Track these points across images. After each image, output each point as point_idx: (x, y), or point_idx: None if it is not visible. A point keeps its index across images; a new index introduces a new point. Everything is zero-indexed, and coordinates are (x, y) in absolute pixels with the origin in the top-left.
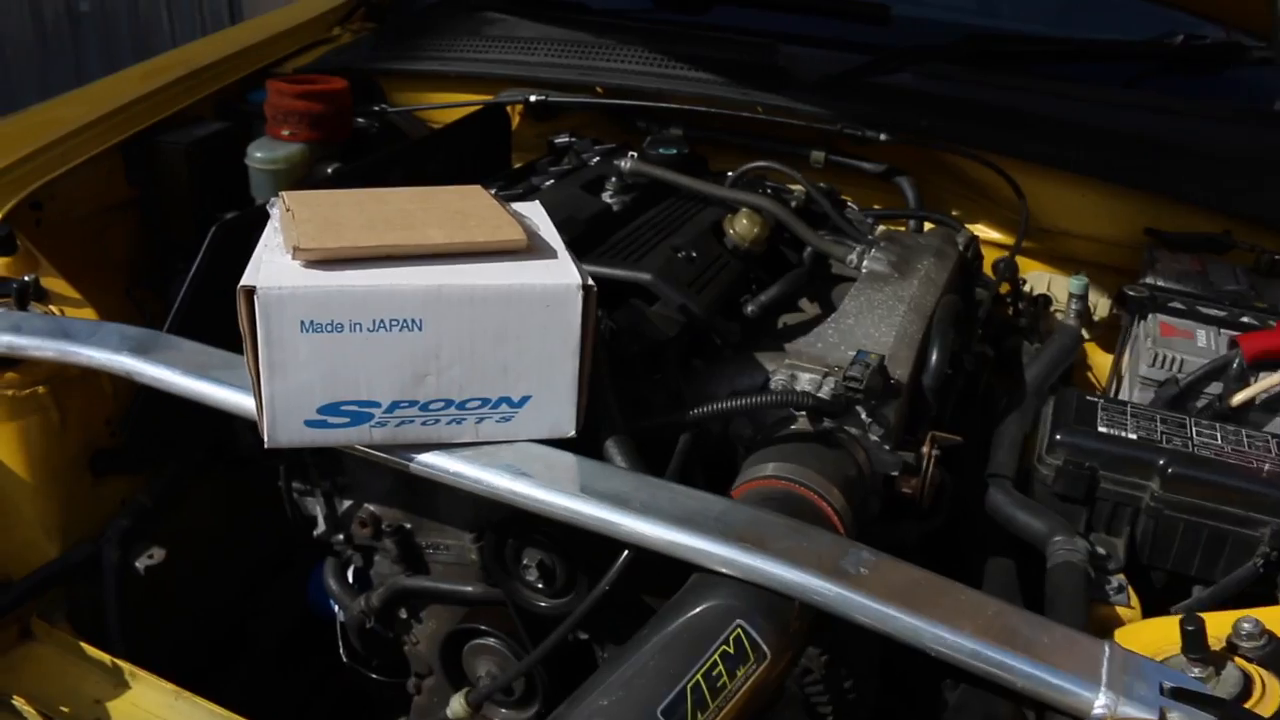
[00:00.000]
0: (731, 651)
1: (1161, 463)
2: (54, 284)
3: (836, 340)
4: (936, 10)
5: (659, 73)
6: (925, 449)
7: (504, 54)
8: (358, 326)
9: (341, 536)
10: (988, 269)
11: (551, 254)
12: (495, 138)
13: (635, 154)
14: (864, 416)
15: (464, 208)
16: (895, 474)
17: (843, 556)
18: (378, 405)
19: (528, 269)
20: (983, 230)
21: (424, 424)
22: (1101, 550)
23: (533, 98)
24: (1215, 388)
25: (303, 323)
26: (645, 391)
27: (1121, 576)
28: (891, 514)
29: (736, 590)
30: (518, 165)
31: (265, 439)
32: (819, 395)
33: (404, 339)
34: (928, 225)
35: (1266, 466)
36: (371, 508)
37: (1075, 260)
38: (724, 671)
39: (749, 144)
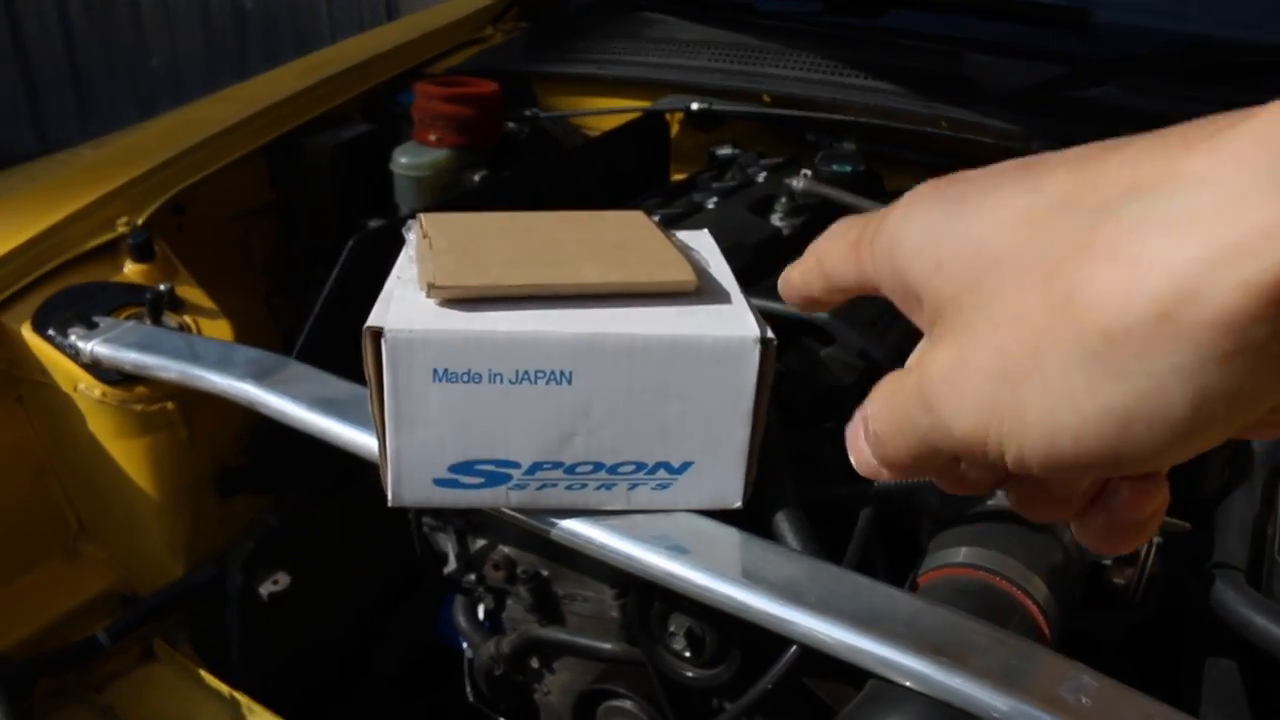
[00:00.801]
0: None
1: None
2: (189, 293)
3: None
4: (1144, 16)
5: (832, 81)
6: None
7: (664, 57)
8: (498, 377)
9: (473, 577)
10: None
11: (725, 298)
12: (653, 148)
13: (809, 171)
14: None
15: (624, 239)
16: (1108, 562)
17: (1061, 682)
18: (517, 466)
19: (696, 316)
20: None
21: (568, 488)
22: None
23: (695, 105)
24: None
25: (435, 371)
26: (814, 445)
27: None
28: (1092, 601)
29: (925, 711)
30: (676, 178)
31: (390, 496)
32: None
33: (550, 393)
34: None
35: None
36: (507, 550)
37: None
38: None
39: (932, 162)
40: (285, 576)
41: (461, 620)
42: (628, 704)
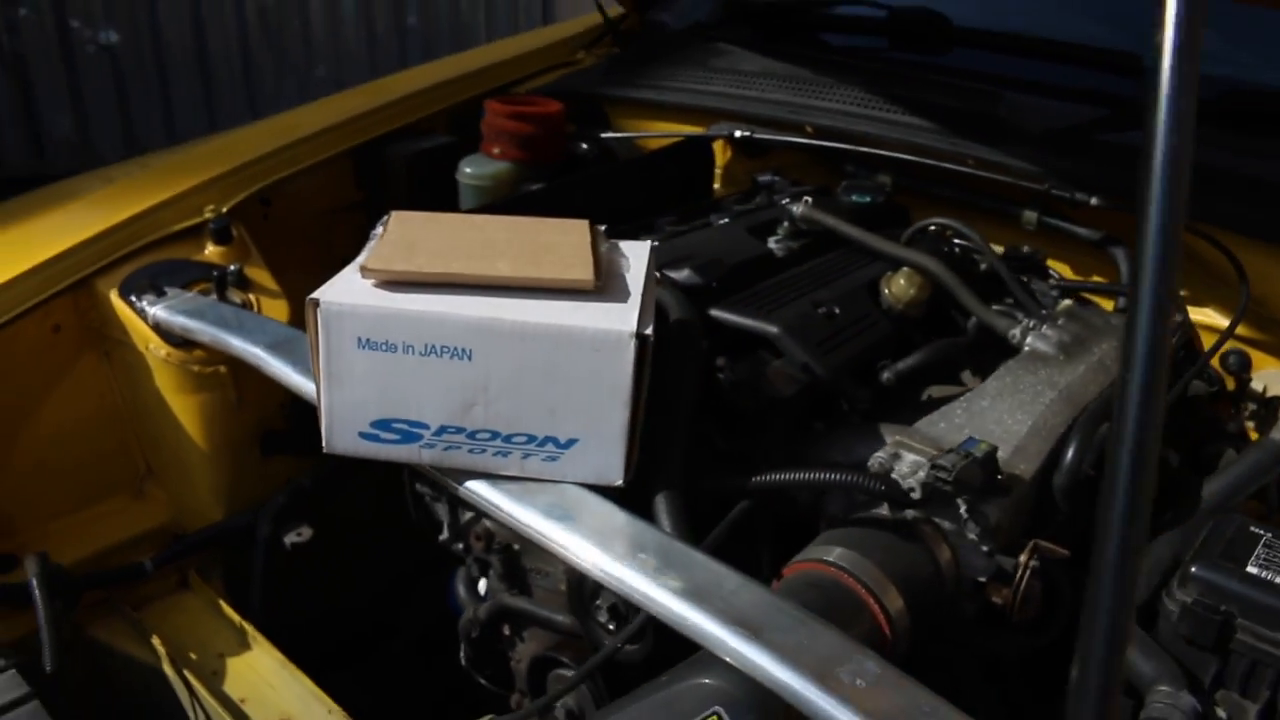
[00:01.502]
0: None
1: None
2: (258, 274)
3: (962, 422)
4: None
5: (871, 115)
6: (1023, 557)
7: (723, 86)
8: (410, 349)
9: (461, 546)
10: (1217, 361)
11: (622, 298)
12: (697, 170)
13: (810, 199)
14: (962, 512)
15: (554, 242)
16: (983, 579)
17: (844, 664)
18: (427, 427)
19: (586, 310)
20: (1209, 316)
21: (470, 451)
22: (1223, 714)
23: (737, 133)
24: None
25: (359, 339)
26: (757, 450)
27: None
28: (1002, 623)
29: (728, 676)
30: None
31: (324, 444)
32: (909, 481)
33: (453, 367)
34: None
35: None
36: (488, 523)
37: None
38: None
39: (960, 198)
40: (309, 530)
41: (460, 588)
42: (569, 673)
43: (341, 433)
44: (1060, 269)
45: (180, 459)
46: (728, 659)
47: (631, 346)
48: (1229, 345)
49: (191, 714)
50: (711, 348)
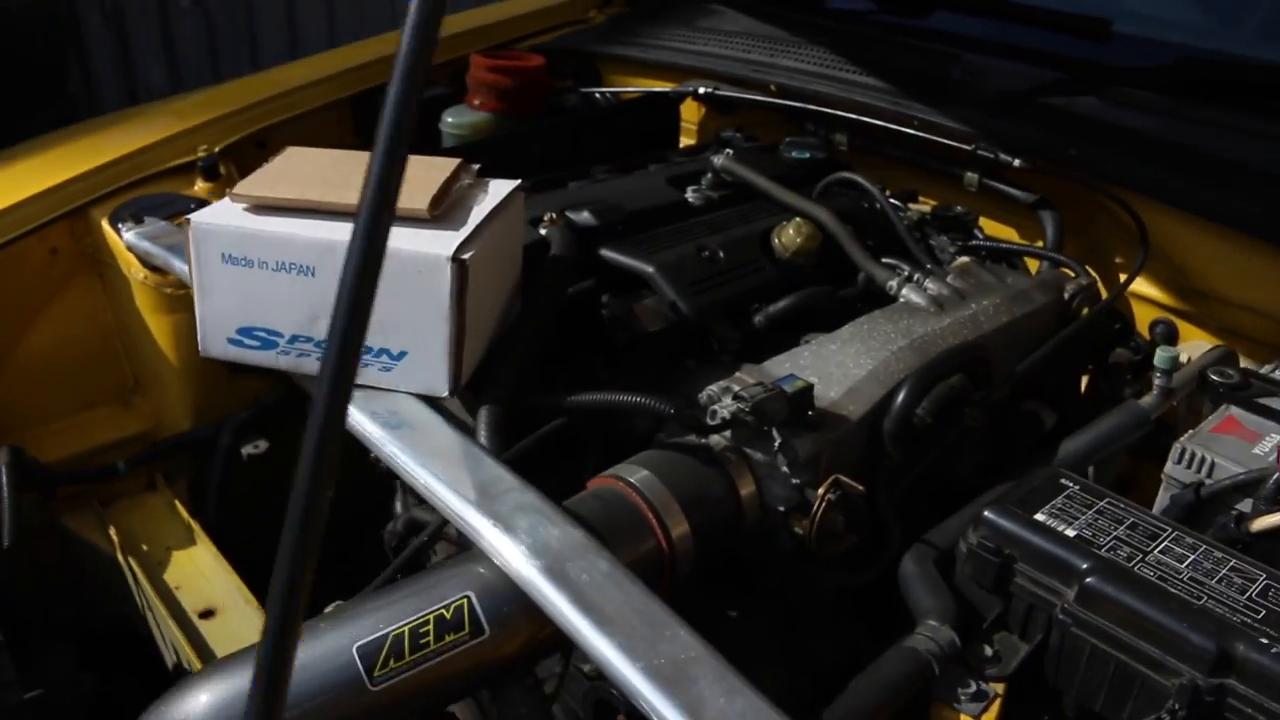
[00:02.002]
0: (448, 617)
1: (1084, 568)
2: None
3: (806, 363)
4: (1177, 30)
5: (832, 75)
6: (821, 491)
7: (701, 45)
8: (265, 265)
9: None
10: (1146, 331)
11: (455, 227)
12: (664, 124)
13: (730, 151)
14: (775, 445)
15: (416, 176)
16: (782, 508)
17: (576, 560)
18: (281, 336)
19: (415, 236)
20: (1140, 286)
21: (319, 359)
22: (990, 650)
23: (701, 90)
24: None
25: (223, 255)
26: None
27: (997, 686)
28: (840, 561)
29: (485, 564)
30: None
31: (200, 349)
32: (717, 409)
33: (300, 282)
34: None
35: (1217, 605)
36: None
37: (1239, 335)
38: (432, 633)
39: (909, 159)
40: (265, 443)
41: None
42: None
43: (213, 338)
44: (1005, 232)
45: (158, 373)
46: (484, 550)
47: (448, 270)
48: (1158, 315)
49: (135, 596)
50: (599, 285)
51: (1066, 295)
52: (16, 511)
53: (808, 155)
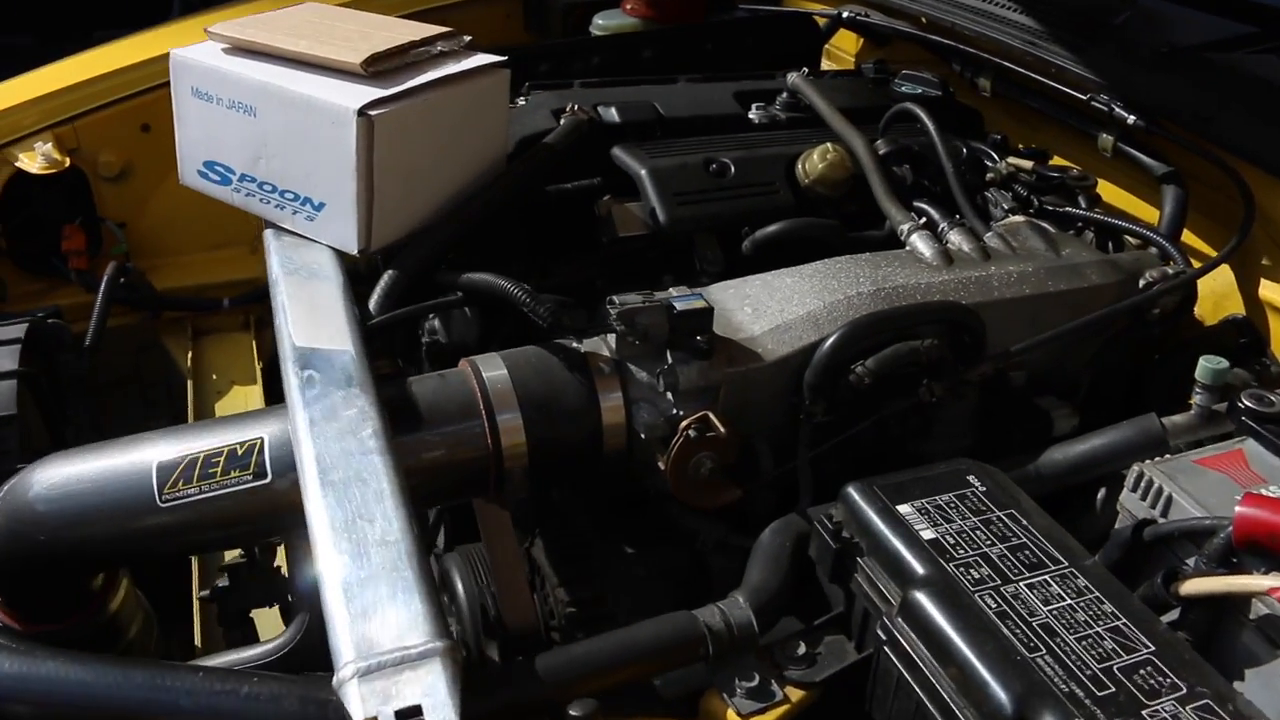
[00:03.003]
0: (239, 453)
1: (917, 576)
2: None
3: (752, 291)
4: None
5: (987, 11)
6: (682, 424)
7: None
8: (219, 100)
9: None
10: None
11: (387, 86)
12: (804, 47)
13: (806, 69)
14: (661, 366)
15: (370, 33)
16: (644, 436)
17: (353, 433)
18: (233, 172)
19: (338, 88)
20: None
21: (262, 201)
22: (804, 649)
23: (845, 13)
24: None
25: (193, 88)
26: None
27: (794, 692)
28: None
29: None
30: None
31: (179, 178)
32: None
33: (245, 120)
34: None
35: (1053, 665)
36: None
37: None
38: (221, 464)
39: (1049, 113)
40: None
41: None
42: None
43: (186, 169)
44: (1145, 209)
45: None
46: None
47: (354, 123)
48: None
49: (189, 412)
50: (607, 184)
51: (1143, 282)
52: (103, 318)
53: (919, 91)
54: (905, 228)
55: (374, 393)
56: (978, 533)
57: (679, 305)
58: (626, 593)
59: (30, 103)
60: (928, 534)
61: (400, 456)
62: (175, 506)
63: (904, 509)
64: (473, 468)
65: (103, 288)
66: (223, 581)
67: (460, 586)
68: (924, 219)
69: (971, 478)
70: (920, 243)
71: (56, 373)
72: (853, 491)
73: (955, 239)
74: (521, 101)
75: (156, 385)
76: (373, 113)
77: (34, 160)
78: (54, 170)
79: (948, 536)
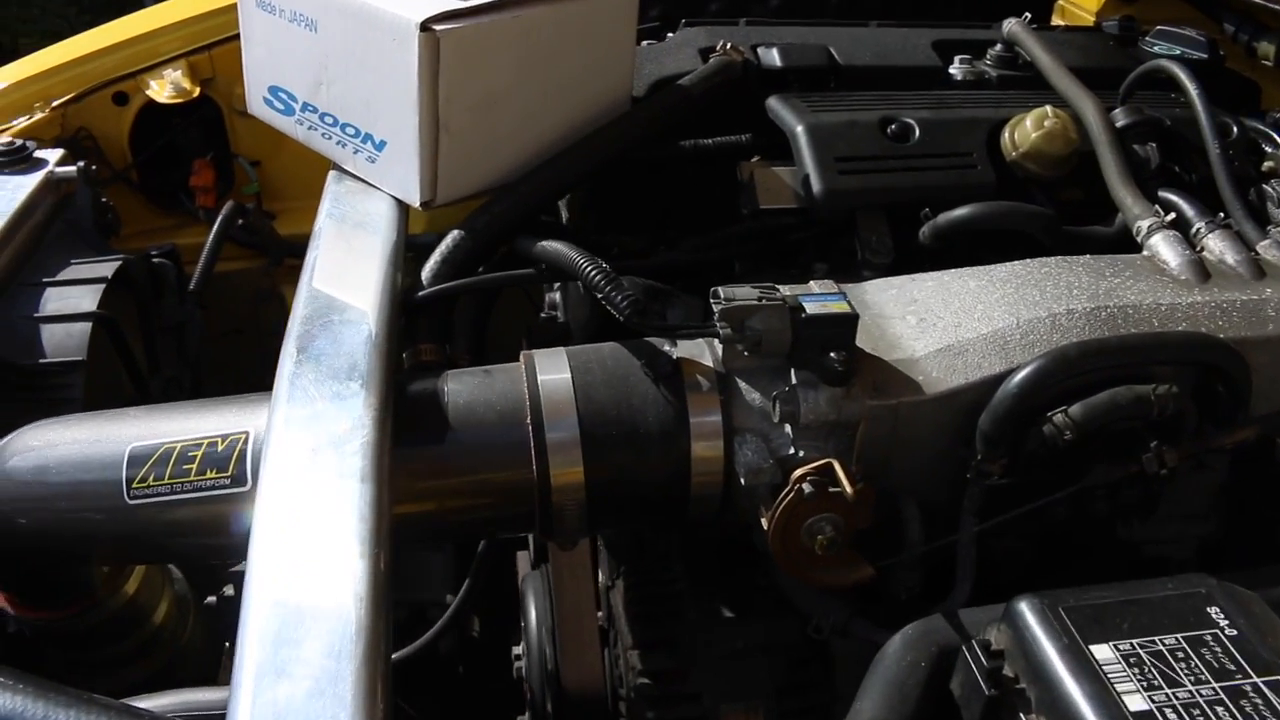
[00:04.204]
0: (220, 449)
1: None
2: None
3: (918, 295)
4: None
5: None
6: (797, 473)
7: None
8: (282, 12)
9: None
10: None
11: (472, 12)
12: None
13: (1029, 15)
14: (779, 391)
15: None
16: (744, 483)
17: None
18: (295, 100)
19: (417, 5)
20: None
21: (324, 136)
22: None
23: None
24: None
25: (258, 1)
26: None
27: None
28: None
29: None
30: None
31: (248, 107)
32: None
33: (306, 36)
34: None
35: None
36: None
37: None
38: (198, 461)
39: None
40: None
41: None
42: None
43: (253, 96)
44: None
45: None
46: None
47: (415, 39)
48: None
49: None
50: (758, 142)
51: None
52: (211, 261)
53: (1178, 52)
54: (1145, 225)
55: (382, 389)
56: (1219, 710)
57: (810, 307)
58: (717, 671)
59: (168, 28)
60: (1136, 703)
61: (395, 482)
62: (143, 506)
63: (1102, 652)
64: (511, 499)
65: (215, 228)
66: (229, 590)
67: (531, 619)
68: (1172, 215)
69: (1215, 611)
70: (1165, 247)
71: (155, 317)
72: (1026, 611)
73: (1215, 246)
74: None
75: (274, 337)
76: (439, 27)
77: (163, 88)
78: (182, 99)
79: (1168, 711)
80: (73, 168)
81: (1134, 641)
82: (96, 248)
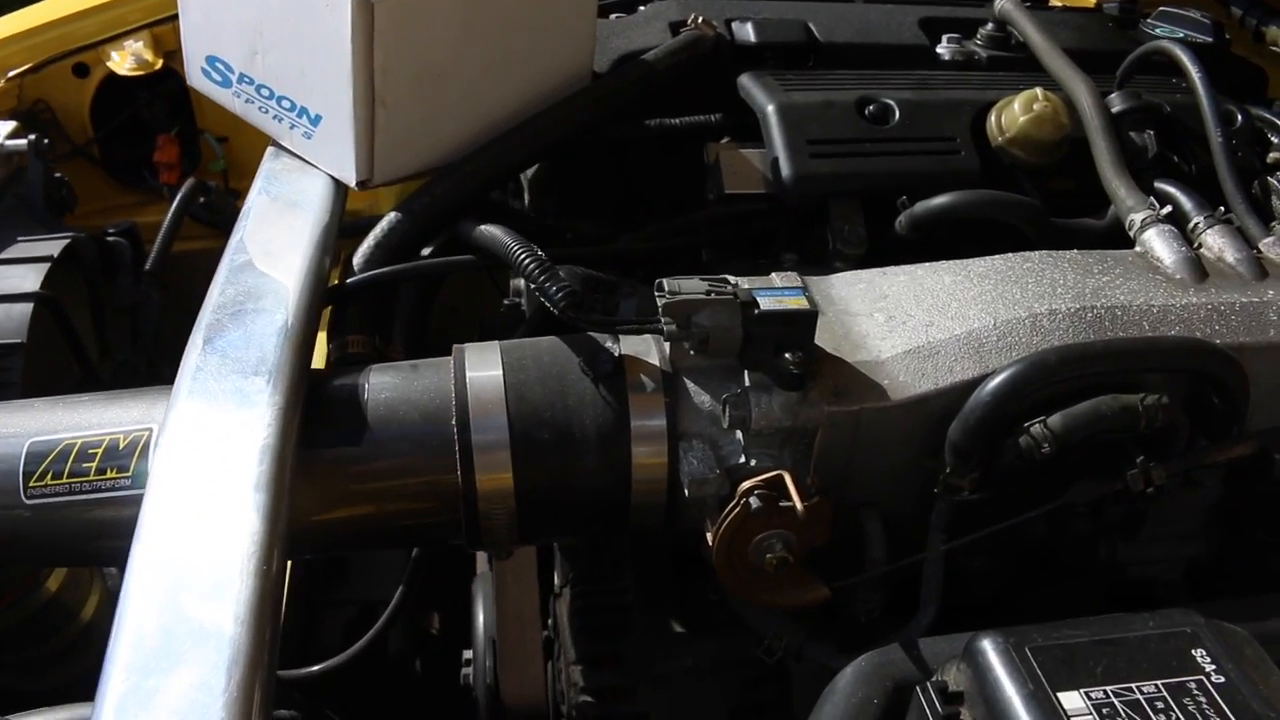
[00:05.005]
0: (121, 446)
1: None
2: None
3: (887, 290)
4: None
5: None
6: (744, 486)
7: None
8: None
9: None
10: None
11: None
12: None
13: None
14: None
15: None
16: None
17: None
18: (232, 70)
19: None
20: None
21: (260, 109)
22: None
23: None
24: None
25: None
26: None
27: None
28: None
29: None
30: None
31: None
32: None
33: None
34: None
35: None
36: None
37: None
38: (98, 460)
39: None
40: None
41: None
42: None
43: (191, 66)
44: None
45: None
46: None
47: (348, 4)
48: None
49: None
50: (726, 123)
51: None
52: (168, 240)
53: (1180, 35)
54: (1138, 219)
55: (291, 386)
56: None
57: (764, 302)
58: (666, 690)
59: None
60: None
61: (303, 488)
62: (40, 506)
63: (1072, 700)
64: (435, 506)
65: (173, 206)
66: None
67: (479, 625)
68: (1168, 208)
69: (1201, 654)
70: (1159, 243)
71: (107, 298)
72: (989, 650)
73: (1214, 242)
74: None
75: None
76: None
77: (124, 60)
78: (144, 72)
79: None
80: (23, 141)
81: (1108, 689)
82: (47, 225)
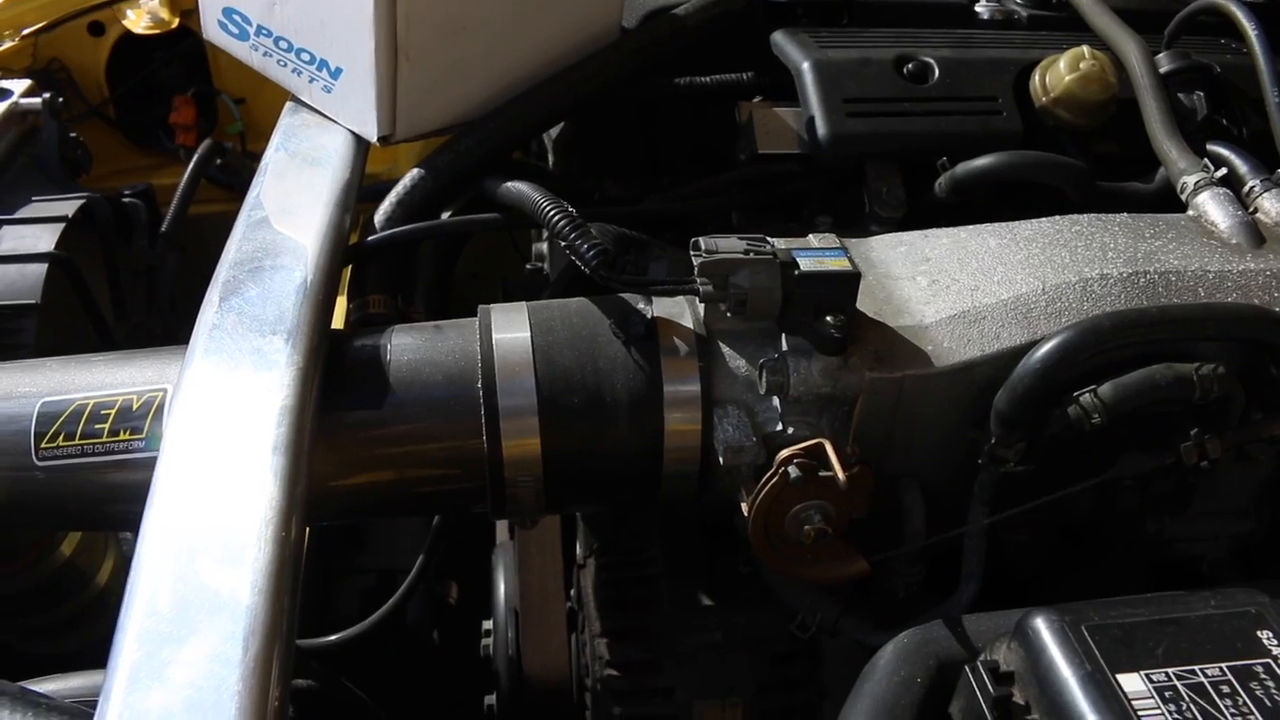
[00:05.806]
0: (135, 407)
1: None
2: None
3: (930, 253)
4: None
5: None
6: (782, 455)
7: None
8: None
9: None
10: None
11: None
12: None
13: None
14: (765, 358)
15: None
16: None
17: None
18: (250, 23)
19: None
20: None
21: (279, 63)
22: None
23: None
24: None
25: None
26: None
27: None
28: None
29: None
30: None
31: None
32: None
33: None
34: None
35: None
36: None
37: None
38: (111, 420)
39: None
40: None
41: None
42: None
43: (208, 19)
44: None
45: None
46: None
47: None
48: None
49: None
50: (760, 80)
51: None
52: (185, 202)
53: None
54: (1191, 181)
55: (311, 346)
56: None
57: (804, 263)
58: (692, 664)
59: None
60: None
61: (322, 451)
62: (52, 468)
63: (1132, 683)
64: (458, 473)
65: (189, 168)
66: None
67: (500, 596)
68: (1223, 171)
69: (1266, 636)
70: (1213, 206)
71: (122, 259)
72: (1042, 629)
73: (1271, 206)
74: None
75: None
76: None
77: (140, 18)
78: (160, 30)
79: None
80: (38, 100)
81: (1170, 671)
82: (61, 185)
